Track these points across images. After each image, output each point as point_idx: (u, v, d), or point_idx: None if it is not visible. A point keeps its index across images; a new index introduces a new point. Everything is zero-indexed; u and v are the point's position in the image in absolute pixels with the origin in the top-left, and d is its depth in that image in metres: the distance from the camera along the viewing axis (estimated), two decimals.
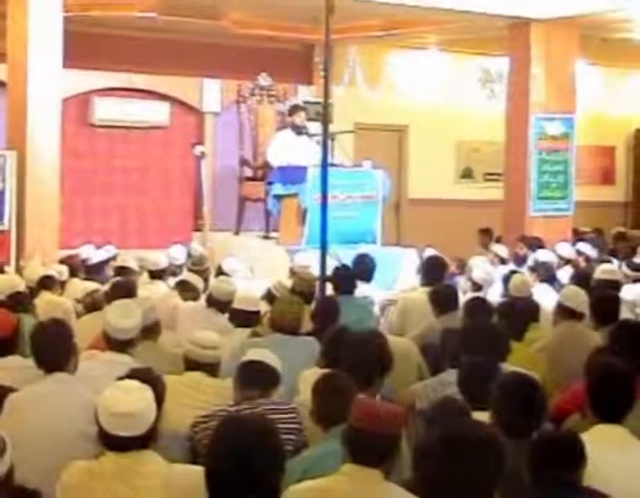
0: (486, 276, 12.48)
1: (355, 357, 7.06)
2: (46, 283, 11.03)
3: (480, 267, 12.70)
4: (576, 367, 7.18)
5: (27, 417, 6.31)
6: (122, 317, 7.73)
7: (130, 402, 5.26)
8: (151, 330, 8.29)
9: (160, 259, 13.00)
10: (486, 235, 18.55)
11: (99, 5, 18.02)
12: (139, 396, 5.33)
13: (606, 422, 5.90)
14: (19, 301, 9.58)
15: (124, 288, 10.14)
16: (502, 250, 15.82)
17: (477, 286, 12.16)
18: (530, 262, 14.21)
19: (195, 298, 11.15)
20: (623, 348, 7.66)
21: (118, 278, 11.37)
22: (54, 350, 6.97)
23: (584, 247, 17.10)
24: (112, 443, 5.26)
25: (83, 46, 17.19)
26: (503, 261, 15.19)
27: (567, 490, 5.12)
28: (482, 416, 5.98)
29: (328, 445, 5.77)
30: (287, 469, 4.96)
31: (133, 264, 12.63)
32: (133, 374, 6.19)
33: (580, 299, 9.82)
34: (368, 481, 5.02)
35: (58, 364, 6.86)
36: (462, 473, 4.32)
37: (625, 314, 10.08)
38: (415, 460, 4.57)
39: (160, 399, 5.72)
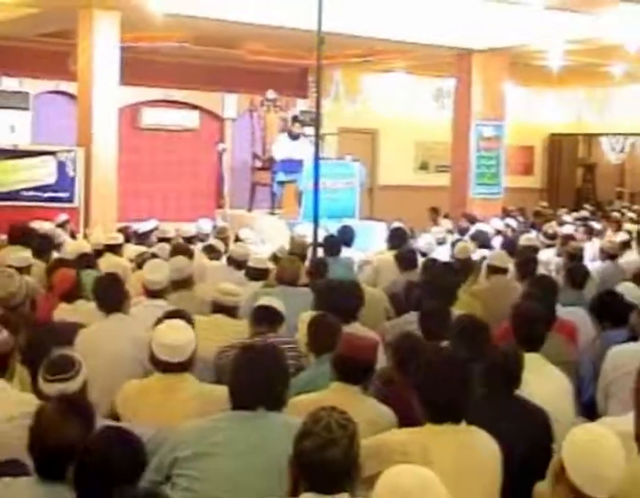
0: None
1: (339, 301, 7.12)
2: (112, 247, 11.04)
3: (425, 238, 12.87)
4: (503, 310, 7.19)
5: (93, 346, 6.32)
6: (153, 272, 7.76)
7: (177, 337, 5.30)
8: (186, 282, 8.27)
9: (190, 229, 13.10)
10: (434, 212, 18.56)
11: (146, 37, 18.00)
12: (183, 333, 5.37)
13: (527, 351, 5.92)
14: (85, 260, 9.56)
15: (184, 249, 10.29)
16: (449, 223, 15.83)
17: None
18: (471, 233, 14.23)
19: (219, 258, 11.16)
20: (539, 296, 7.70)
21: (179, 242, 11.56)
22: (111, 297, 6.98)
23: (510, 221, 17.17)
24: (160, 365, 5.29)
25: (134, 68, 17.15)
26: (450, 232, 15.18)
27: (514, 400, 5.18)
28: None
29: (320, 368, 5.76)
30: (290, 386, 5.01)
31: (171, 233, 12.65)
32: (170, 314, 6.24)
33: (503, 258, 9.86)
34: (350, 394, 5.05)
35: (115, 307, 6.86)
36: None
37: (540, 270, 10.10)
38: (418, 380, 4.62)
39: None
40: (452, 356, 4.75)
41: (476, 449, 4.38)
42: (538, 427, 5.02)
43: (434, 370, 4.51)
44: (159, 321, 6.04)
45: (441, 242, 13.07)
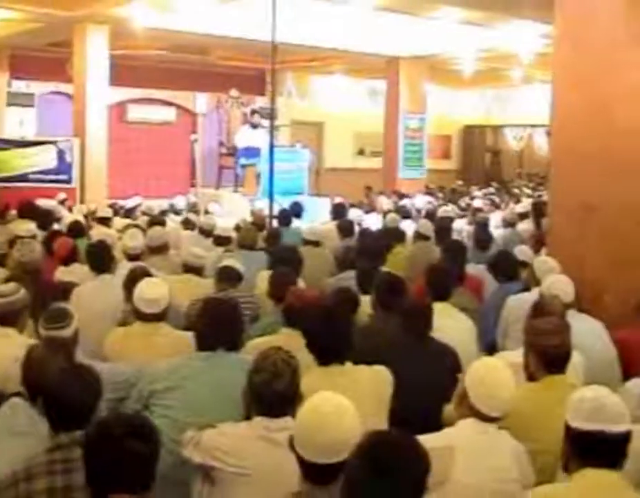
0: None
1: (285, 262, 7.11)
2: (103, 220, 11.00)
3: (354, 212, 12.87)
4: (423, 269, 7.23)
5: (86, 301, 6.31)
6: (130, 239, 7.72)
7: (153, 293, 5.31)
8: (162, 248, 8.19)
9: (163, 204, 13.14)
10: (369, 190, 18.56)
11: (130, 46, 17.84)
12: (158, 289, 5.37)
13: (438, 300, 5.97)
14: (78, 230, 9.48)
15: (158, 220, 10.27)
16: (383, 200, 15.84)
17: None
18: (397, 206, 14.25)
19: (191, 228, 11.11)
20: (451, 256, 7.77)
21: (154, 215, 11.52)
22: (101, 260, 6.96)
23: (432, 197, 17.23)
24: (141, 316, 5.30)
25: (121, 72, 17.03)
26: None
27: (427, 339, 5.23)
28: (366, 298, 6.05)
29: (274, 317, 5.77)
30: (249, 332, 5.02)
31: (156, 210, 12.62)
32: (135, 271, 6.28)
33: (427, 227, 9.90)
34: (296, 338, 5.03)
35: (104, 269, 6.86)
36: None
37: (455, 236, 10.16)
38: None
39: None
40: (332, 310, 4.69)
41: (360, 383, 4.37)
42: (445, 360, 5.07)
43: (317, 323, 4.49)
44: (128, 276, 6.05)
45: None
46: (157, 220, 10.53)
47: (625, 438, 3.19)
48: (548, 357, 4.33)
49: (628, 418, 3.24)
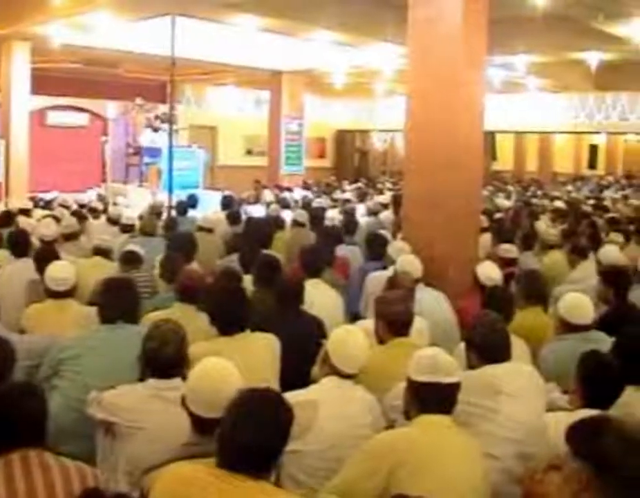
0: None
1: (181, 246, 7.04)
2: (24, 211, 10.74)
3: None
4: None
5: (7, 281, 6.17)
6: (45, 228, 7.57)
7: (61, 273, 5.21)
8: (74, 235, 8.04)
9: (83, 198, 12.82)
10: (257, 183, 18.50)
11: (49, 60, 17.40)
12: (66, 270, 5.27)
13: (311, 277, 6.00)
14: (5, 219, 9.25)
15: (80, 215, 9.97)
16: (267, 192, 15.82)
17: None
18: (278, 198, 14.23)
19: (99, 217, 10.92)
20: (324, 239, 7.83)
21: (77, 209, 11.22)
22: (20, 246, 6.79)
23: (308, 190, 17.29)
24: (52, 294, 5.20)
25: (41, 82, 16.64)
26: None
27: (298, 311, 5.24)
28: (248, 277, 6.05)
29: (168, 294, 5.71)
30: (144, 307, 4.97)
31: (70, 202, 12.36)
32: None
33: (303, 215, 9.94)
34: (188, 311, 5.01)
35: (23, 253, 6.69)
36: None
37: (327, 223, 10.19)
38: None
39: None
40: (232, 288, 4.72)
41: (256, 348, 4.40)
42: (314, 329, 5.09)
43: (222, 300, 4.49)
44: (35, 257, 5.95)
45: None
46: (79, 214, 10.31)
47: (455, 388, 3.30)
48: (393, 322, 4.44)
49: (458, 372, 3.37)
